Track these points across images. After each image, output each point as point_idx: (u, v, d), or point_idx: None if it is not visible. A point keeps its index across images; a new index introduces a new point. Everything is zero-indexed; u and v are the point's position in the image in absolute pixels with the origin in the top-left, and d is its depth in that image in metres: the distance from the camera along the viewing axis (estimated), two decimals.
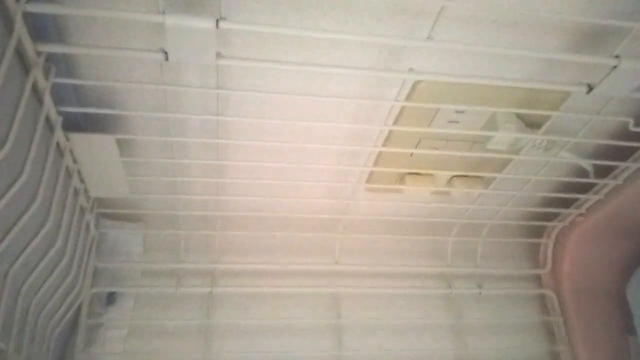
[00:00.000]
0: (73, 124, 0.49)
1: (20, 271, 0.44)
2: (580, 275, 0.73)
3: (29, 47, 0.38)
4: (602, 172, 0.62)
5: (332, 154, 0.61)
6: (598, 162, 0.59)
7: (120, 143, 0.50)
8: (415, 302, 0.71)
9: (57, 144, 0.47)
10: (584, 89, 0.47)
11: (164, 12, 0.35)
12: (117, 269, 0.64)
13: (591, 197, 0.66)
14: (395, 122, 0.56)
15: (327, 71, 0.43)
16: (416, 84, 0.51)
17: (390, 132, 0.57)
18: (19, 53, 0.38)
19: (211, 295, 0.66)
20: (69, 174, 0.51)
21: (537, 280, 0.77)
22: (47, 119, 0.44)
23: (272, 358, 0.64)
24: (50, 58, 0.43)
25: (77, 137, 0.48)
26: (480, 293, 0.72)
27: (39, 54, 0.40)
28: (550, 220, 0.73)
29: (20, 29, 0.36)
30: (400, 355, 0.68)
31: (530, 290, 0.76)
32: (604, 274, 0.74)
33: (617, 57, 0.44)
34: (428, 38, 0.41)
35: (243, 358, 0.64)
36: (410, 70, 0.44)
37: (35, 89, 0.41)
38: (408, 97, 0.53)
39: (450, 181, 0.65)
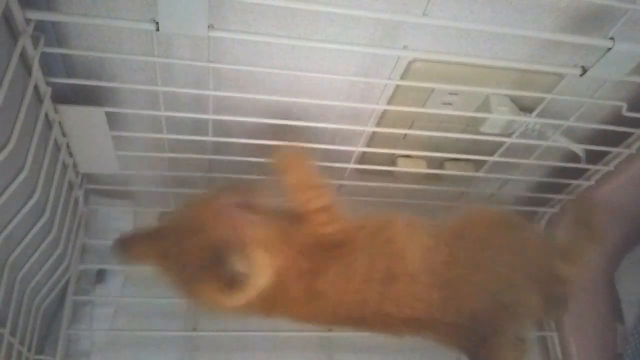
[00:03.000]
0: (62, 97, 0.48)
1: (5, 243, 0.43)
2: None
3: (18, 13, 0.37)
4: (594, 157, 0.62)
5: (325, 133, 0.61)
6: (590, 147, 0.59)
7: (110, 118, 0.49)
8: None
9: (46, 115, 0.46)
10: (578, 71, 0.47)
11: None
12: (107, 246, 0.64)
13: (582, 183, 0.66)
14: (388, 103, 0.56)
15: (321, 46, 0.43)
16: (410, 64, 0.51)
17: (384, 113, 0.57)
18: (7, 19, 0.37)
19: None
20: (57, 147, 0.50)
21: None
22: (36, 90, 0.44)
23: (260, 339, 0.64)
24: (40, 27, 0.42)
25: (66, 109, 0.48)
26: None
27: (28, 21, 0.39)
28: (540, 205, 0.73)
29: None
30: (388, 338, 0.68)
31: None
32: (593, 261, 0.74)
33: (611, 39, 0.43)
34: (423, 14, 0.40)
35: (230, 338, 0.64)
36: (405, 47, 0.44)
37: (23, 58, 0.41)
38: (402, 78, 0.52)
39: (442, 164, 0.65)
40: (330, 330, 0.65)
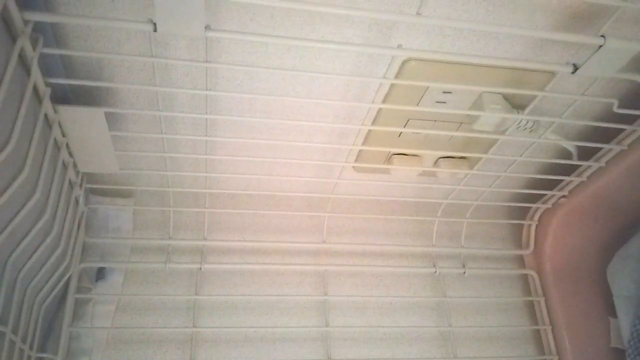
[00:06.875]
0: (61, 97, 0.49)
1: (7, 241, 0.44)
2: (562, 256, 0.74)
3: (16, 14, 0.38)
4: (586, 154, 0.63)
5: (321, 133, 0.62)
6: (582, 143, 0.60)
7: (109, 117, 0.50)
8: (401, 280, 0.73)
9: (46, 115, 0.47)
10: (570, 69, 0.48)
11: None
12: (107, 244, 0.64)
13: (574, 179, 0.67)
14: (383, 102, 0.56)
15: (317, 46, 0.43)
16: (405, 63, 0.52)
17: (379, 112, 0.58)
18: (5, 21, 0.38)
19: (200, 271, 0.66)
20: (57, 147, 0.51)
21: (520, 260, 0.78)
22: (35, 90, 0.44)
23: (260, 334, 0.65)
24: (38, 28, 0.42)
25: (65, 110, 0.48)
26: (464, 273, 0.73)
27: (26, 22, 0.39)
28: (533, 201, 0.74)
29: None
30: (386, 332, 0.69)
31: (513, 270, 0.77)
32: (586, 255, 0.75)
33: (602, 36, 0.44)
34: (417, 14, 0.41)
35: (230, 334, 0.64)
36: (399, 46, 0.45)
37: (22, 59, 0.41)
38: (396, 77, 0.53)
39: (436, 162, 0.66)
40: (327, 325, 0.67)
